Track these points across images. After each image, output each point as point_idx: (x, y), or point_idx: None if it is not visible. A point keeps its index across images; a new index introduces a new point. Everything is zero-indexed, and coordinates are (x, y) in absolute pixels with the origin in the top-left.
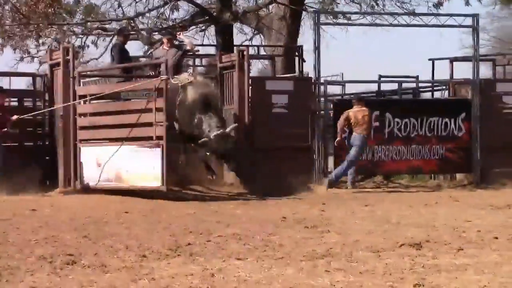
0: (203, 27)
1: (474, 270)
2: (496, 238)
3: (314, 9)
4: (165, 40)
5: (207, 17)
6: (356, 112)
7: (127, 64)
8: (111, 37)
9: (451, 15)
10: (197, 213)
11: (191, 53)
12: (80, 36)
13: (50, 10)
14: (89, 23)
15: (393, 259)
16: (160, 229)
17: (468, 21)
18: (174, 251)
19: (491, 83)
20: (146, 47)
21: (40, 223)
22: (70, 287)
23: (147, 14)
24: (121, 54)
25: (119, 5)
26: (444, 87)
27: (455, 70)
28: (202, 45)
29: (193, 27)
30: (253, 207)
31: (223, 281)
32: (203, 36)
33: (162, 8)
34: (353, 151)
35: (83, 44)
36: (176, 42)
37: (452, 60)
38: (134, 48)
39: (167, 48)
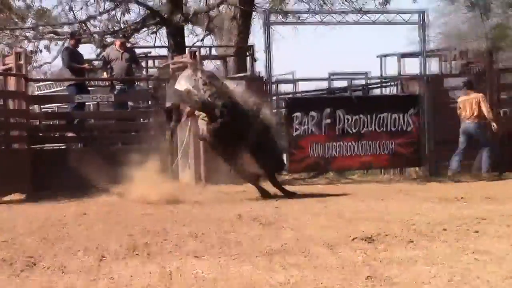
0: (155, 29)
1: (424, 261)
2: (445, 229)
3: (264, 9)
4: (118, 43)
5: (158, 19)
6: (464, 101)
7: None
8: (63, 41)
9: (398, 12)
10: (154, 213)
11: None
12: (33, 40)
13: (0, 15)
14: (41, 28)
15: (346, 253)
16: (118, 229)
17: (415, 17)
18: (132, 251)
19: (438, 78)
20: (99, 49)
21: None
22: None
23: (99, 17)
24: (70, 57)
25: (70, 9)
26: (393, 83)
27: (408, 66)
28: (154, 47)
29: (145, 29)
30: (209, 206)
31: (181, 279)
32: (155, 38)
33: (114, 11)
34: (481, 141)
35: (36, 48)
36: (128, 45)
37: (400, 56)
38: (87, 51)
39: (120, 50)
